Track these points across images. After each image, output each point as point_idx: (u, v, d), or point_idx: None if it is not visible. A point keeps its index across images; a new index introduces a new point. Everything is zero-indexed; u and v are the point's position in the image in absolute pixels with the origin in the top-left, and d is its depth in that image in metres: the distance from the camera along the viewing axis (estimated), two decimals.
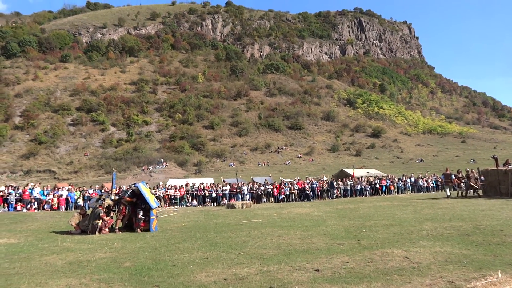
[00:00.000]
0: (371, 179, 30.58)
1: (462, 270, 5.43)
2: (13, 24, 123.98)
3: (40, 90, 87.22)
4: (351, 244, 7.74)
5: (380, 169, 42.40)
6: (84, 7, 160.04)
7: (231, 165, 64.54)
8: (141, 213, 11.55)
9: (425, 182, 30.41)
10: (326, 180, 29.51)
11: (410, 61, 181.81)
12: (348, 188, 28.10)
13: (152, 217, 11.55)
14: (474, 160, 60.51)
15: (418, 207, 15.54)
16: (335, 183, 27.80)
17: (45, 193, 23.00)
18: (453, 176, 22.09)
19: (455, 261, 5.96)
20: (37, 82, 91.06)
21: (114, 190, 13.04)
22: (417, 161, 65.90)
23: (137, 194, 11.80)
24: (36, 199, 22.10)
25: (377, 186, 28.95)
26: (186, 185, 26.75)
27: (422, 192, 28.84)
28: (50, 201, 22.45)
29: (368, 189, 28.56)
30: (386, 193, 28.49)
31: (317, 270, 5.80)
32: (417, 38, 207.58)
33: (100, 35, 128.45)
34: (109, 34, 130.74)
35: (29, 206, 21.64)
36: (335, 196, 26.78)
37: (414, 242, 7.62)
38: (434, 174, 34.27)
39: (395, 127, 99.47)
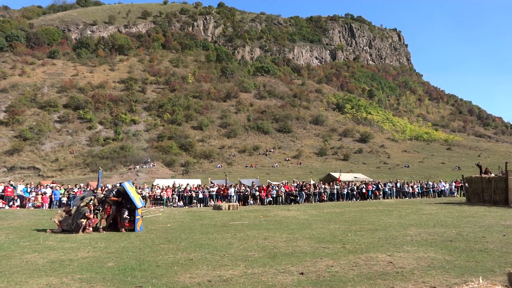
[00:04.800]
0: (358, 183, 30.80)
1: (445, 276, 5.49)
2: (1, 18, 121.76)
3: (26, 85, 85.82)
4: (336, 248, 7.77)
5: (367, 174, 42.77)
6: (75, 3, 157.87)
7: (218, 167, 64.38)
8: (126, 213, 11.43)
9: (410, 188, 30.73)
10: (313, 184, 29.63)
11: (399, 68, 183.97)
12: (335, 192, 28.24)
13: (137, 217, 11.45)
14: (459, 167, 61.43)
15: (403, 212, 15.70)
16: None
17: (29, 190, 22.62)
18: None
19: (438, 267, 6.03)
20: (24, 78, 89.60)
21: (99, 189, 12.88)
22: (403, 167, 66.62)
23: (122, 194, 11.68)
24: (19, 196, 21.71)
25: (364, 191, 29.14)
26: (173, 186, 26.58)
27: (407, 198, 29.15)
28: (33, 198, 22.07)
29: (355, 193, 28.74)
30: (372, 198, 28.71)
31: (302, 273, 5.81)
32: (406, 45, 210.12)
33: (90, 32, 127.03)
34: (99, 31, 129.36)
35: (11, 203, 21.25)
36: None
37: (398, 247, 7.69)
38: (419, 181, 34.68)
39: (382, 133, 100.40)
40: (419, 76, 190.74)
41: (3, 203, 21.00)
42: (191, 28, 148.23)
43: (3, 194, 21.40)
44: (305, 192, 26.73)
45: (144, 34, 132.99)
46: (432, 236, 9.00)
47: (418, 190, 30.98)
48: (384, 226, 11.15)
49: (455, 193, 31.13)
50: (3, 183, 24.68)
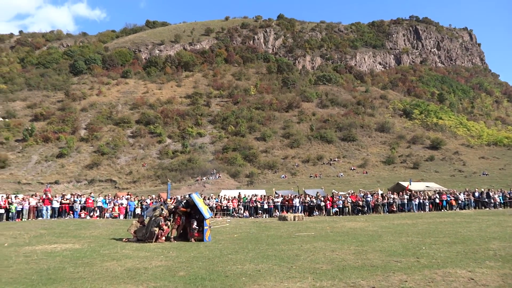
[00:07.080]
0: (430, 193, 29.07)
1: None
2: (80, 44, 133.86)
3: (103, 104, 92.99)
4: (410, 262, 7.37)
5: (440, 183, 40.29)
6: (144, 25, 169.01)
7: (282, 177, 64.38)
8: (195, 223, 11.82)
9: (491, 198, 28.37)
10: (382, 194, 28.52)
11: (472, 69, 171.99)
12: (405, 202, 26.88)
13: (205, 227, 11.78)
14: None
15: (483, 224, 14.53)
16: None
17: (107, 201, 24.31)
18: None
19: None
20: (100, 97, 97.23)
21: (168, 200, 13.47)
22: (481, 175, 61.81)
23: (191, 205, 12.10)
24: (98, 207, 23.43)
25: (437, 201, 27.43)
26: (239, 196, 27.03)
27: (487, 209, 26.94)
28: (111, 209, 23.66)
29: (427, 204, 27.14)
30: (447, 209, 26.90)
31: None
32: (479, 44, 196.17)
33: (158, 52, 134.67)
34: (166, 50, 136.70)
35: (92, 213, 22.97)
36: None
37: (479, 262, 7.11)
38: (501, 189, 31.92)
39: (456, 139, 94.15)
40: (496, 76, 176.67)
41: (85, 213, 22.78)
42: (252, 41, 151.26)
43: (85, 205, 23.23)
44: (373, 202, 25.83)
45: (207, 50, 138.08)
46: None
47: (500, 199, 28.53)
48: (462, 239, 10.38)
49: None
50: (85, 195, 26.80)
